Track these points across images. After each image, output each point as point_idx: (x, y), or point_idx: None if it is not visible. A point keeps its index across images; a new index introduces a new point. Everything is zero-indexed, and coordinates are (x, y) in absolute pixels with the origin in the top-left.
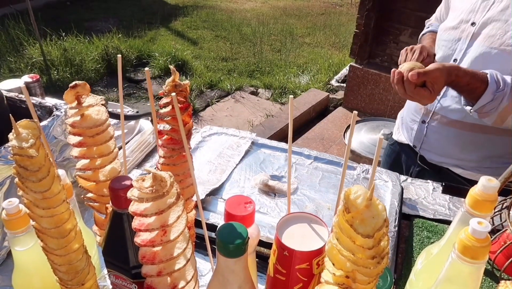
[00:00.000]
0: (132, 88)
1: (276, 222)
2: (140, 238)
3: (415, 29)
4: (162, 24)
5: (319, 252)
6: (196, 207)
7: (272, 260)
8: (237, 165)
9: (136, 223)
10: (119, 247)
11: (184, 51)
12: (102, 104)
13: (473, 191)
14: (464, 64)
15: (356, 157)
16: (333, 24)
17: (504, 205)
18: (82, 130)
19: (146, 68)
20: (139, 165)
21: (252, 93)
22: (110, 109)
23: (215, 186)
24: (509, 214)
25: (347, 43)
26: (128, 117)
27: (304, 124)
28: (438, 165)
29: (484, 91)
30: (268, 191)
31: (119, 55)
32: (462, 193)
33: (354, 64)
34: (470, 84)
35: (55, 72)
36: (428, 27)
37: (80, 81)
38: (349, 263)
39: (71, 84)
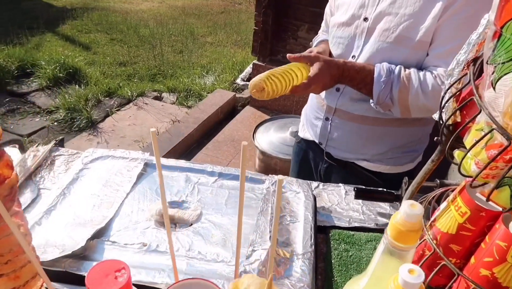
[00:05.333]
0: (15, 103)
1: (177, 262)
2: None
3: (311, 24)
4: (48, 29)
5: None
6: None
7: None
8: (128, 194)
9: None
10: None
11: (75, 58)
12: None
13: (395, 219)
14: (362, 60)
15: (267, 158)
16: (234, 22)
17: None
18: None
19: None
20: None
21: (156, 98)
22: None
23: (99, 226)
24: (425, 223)
25: (248, 40)
26: None
27: (213, 127)
28: (344, 160)
29: (373, 81)
30: None
31: None
32: (374, 197)
33: (257, 62)
34: (359, 73)
35: None
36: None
37: None
38: None
39: None
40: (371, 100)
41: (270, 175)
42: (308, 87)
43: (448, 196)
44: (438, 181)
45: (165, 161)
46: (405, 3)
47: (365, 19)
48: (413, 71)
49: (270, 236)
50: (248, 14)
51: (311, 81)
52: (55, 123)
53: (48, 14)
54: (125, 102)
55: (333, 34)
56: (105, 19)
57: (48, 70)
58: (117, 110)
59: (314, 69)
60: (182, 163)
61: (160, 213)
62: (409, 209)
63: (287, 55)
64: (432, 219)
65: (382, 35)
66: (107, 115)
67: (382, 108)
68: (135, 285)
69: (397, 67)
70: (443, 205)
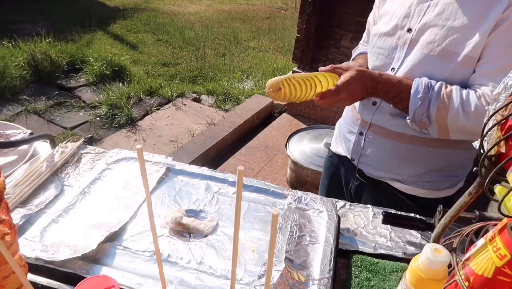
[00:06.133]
0: (63, 97)
1: (187, 275)
2: None
3: (355, 34)
4: (100, 27)
5: None
6: None
7: None
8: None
9: None
10: None
11: (121, 56)
12: None
13: (415, 264)
14: (402, 74)
15: (299, 168)
16: (278, 28)
17: (451, 247)
18: None
19: None
20: (24, 202)
21: (195, 100)
22: None
23: (113, 229)
24: (457, 257)
25: (291, 47)
26: (12, 144)
27: (248, 132)
28: (376, 179)
29: (409, 96)
30: (182, 230)
31: None
32: (404, 223)
33: (297, 70)
34: (395, 87)
35: None
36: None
37: None
38: None
39: None
40: (407, 118)
41: (293, 190)
42: (336, 95)
43: (487, 231)
44: (478, 213)
45: (187, 167)
46: (453, 15)
47: (409, 30)
48: (455, 88)
49: (285, 256)
50: (293, 20)
51: (340, 88)
52: (97, 118)
53: (101, 13)
54: (164, 102)
55: (373, 44)
56: (153, 20)
57: (95, 67)
58: (157, 109)
59: (345, 76)
60: (204, 170)
61: (176, 221)
62: (432, 254)
63: (319, 68)
64: (466, 256)
65: (426, 48)
66: (146, 114)
67: (418, 126)
68: None
69: (438, 84)
70: (480, 242)
